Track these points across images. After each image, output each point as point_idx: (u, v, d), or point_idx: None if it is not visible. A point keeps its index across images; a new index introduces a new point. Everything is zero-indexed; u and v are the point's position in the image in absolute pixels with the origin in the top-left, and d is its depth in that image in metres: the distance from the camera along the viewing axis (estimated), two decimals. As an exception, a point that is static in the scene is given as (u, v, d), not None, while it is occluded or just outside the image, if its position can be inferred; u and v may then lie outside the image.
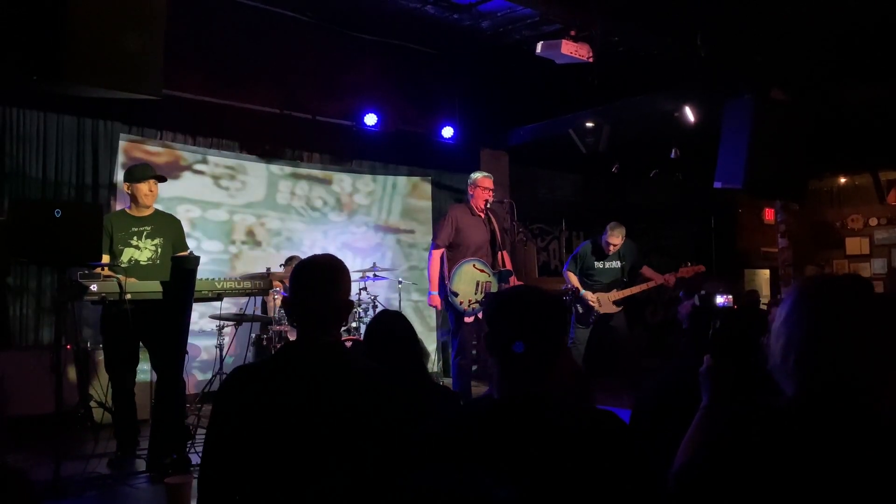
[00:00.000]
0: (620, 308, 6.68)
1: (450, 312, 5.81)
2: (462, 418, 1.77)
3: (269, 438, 1.88)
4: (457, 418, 1.79)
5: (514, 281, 5.76)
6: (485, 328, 1.79)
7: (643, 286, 6.72)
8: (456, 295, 5.52)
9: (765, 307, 8.51)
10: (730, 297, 2.40)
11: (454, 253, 5.71)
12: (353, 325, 6.67)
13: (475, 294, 5.61)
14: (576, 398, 2.37)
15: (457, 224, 5.74)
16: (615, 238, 6.55)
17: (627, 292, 6.66)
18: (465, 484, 1.41)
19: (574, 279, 6.68)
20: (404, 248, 8.56)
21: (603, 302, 6.64)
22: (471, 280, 5.63)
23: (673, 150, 8.45)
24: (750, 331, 2.23)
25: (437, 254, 5.73)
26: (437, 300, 5.68)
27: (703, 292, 2.47)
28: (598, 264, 6.71)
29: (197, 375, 6.80)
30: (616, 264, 6.72)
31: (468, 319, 5.59)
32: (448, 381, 7.73)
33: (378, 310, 6.95)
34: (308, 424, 1.88)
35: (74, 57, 3.54)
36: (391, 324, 2.93)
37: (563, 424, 1.64)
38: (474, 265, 5.67)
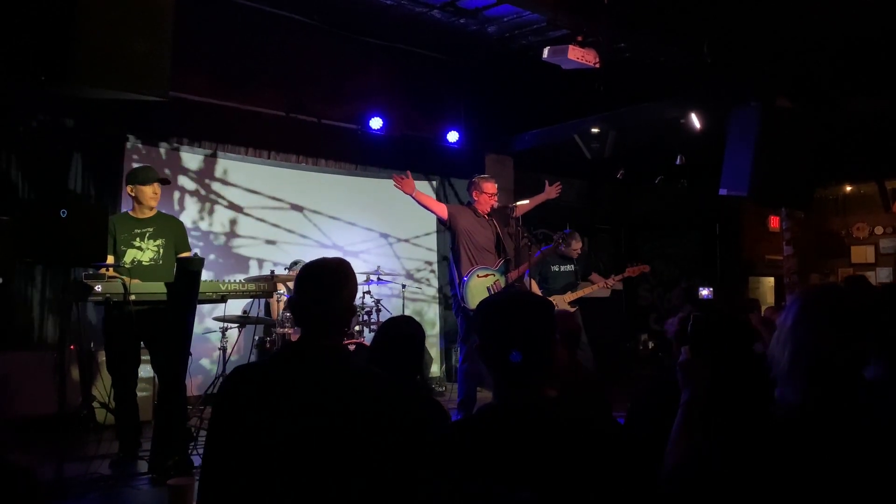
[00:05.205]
0: (575, 309, 6.94)
1: (460, 318, 5.82)
2: (467, 427, 1.76)
3: (267, 439, 1.87)
4: (462, 427, 1.78)
5: (512, 271, 5.79)
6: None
7: (593, 287, 7.09)
8: None
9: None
10: (711, 289, 2.39)
11: (462, 252, 5.72)
12: (357, 328, 6.67)
13: None
14: (593, 406, 2.36)
15: (462, 220, 5.76)
16: (577, 243, 7.10)
17: (580, 293, 7.00)
18: (483, 492, 1.41)
19: (535, 286, 6.85)
20: (408, 253, 8.56)
21: (559, 304, 6.84)
22: (483, 291, 5.64)
23: (678, 157, 8.44)
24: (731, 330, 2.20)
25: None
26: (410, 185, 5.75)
27: (683, 284, 2.45)
28: (554, 268, 7.09)
29: (199, 377, 6.80)
30: (570, 268, 7.15)
31: None
32: (451, 386, 7.74)
33: (382, 314, 6.98)
34: (306, 426, 1.87)
35: (82, 58, 3.55)
36: (404, 330, 2.96)
37: (565, 428, 1.64)
38: (477, 275, 5.68)
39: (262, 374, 2.05)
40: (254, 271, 7.27)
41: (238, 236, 7.37)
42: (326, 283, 2.05)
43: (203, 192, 7.17)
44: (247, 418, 1.91)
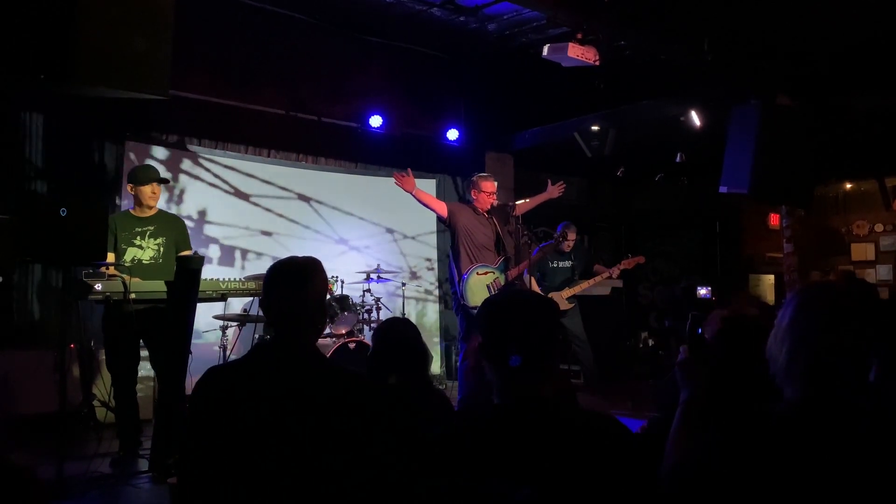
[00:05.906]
0: (573, 304, 7.00)
1: (460, 316, 5.82)
2: (468, 424, 1.77)
3: (240, 436, 1.89)
4: (463, 424, 1.79)
5: (512, 269, 5.79)
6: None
7: (592, 281, 7.10)
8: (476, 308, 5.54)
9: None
10: (709, 288, 2.38)
11: (462, 250, 5.73)
12: (357, 327, 6.67)
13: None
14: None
15: (461, 218, 5.77)
16: (572, 234, 7.11)
17: (578, 288, 7.02)
18: (484, 488, 1.41)
19: (534, 284, 6.85)
20: (408, 251, 8.56)
21: (557, 300, 6.84)
22: (482, 288, 5.64)
23: (679, 155, 8.43)
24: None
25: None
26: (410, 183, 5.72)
27: (683, 284, 2.44)
28: (552, 264, 7.14)
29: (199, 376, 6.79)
30: (567, 264, 7.19)
31: None
32: (452, 384, 7.75)
33: (382, 312, 6.98)
34: (277, 423, 1.89)
35: (82, 57, 3.54)
36: (400, 332, 2.99)
37: (567, 426, 1.64)
38: (477, 273, 5.69)
39: (234, 374, 2.08)
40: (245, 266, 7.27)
41: (221, 226, 7.37)
42: (291, 280, 2.08)
43: (203, 189, 7.17)
44: (221, 419, 1.93)
